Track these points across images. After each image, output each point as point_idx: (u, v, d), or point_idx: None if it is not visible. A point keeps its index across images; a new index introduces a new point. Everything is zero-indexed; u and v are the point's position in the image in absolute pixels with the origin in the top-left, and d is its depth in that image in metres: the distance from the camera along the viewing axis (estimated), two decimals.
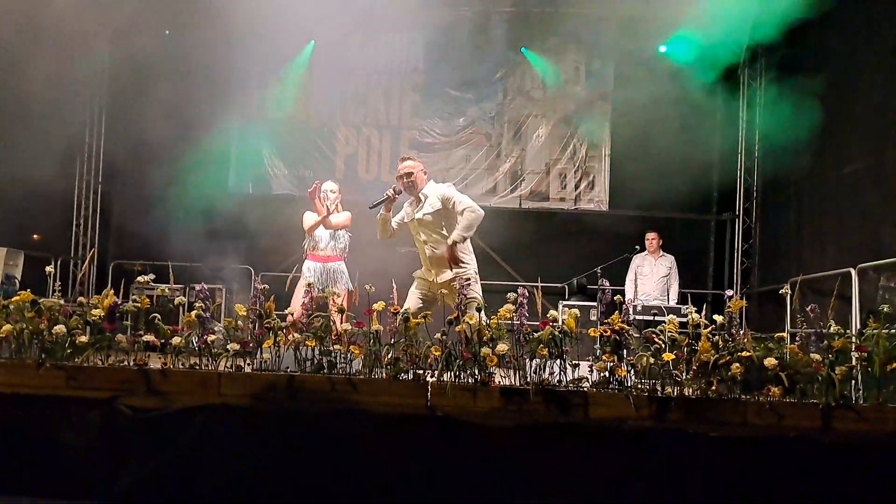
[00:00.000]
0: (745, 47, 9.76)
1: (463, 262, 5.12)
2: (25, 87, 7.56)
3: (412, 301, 5.22)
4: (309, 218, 6.31)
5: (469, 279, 4.89)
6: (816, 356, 3.74)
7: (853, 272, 6.55)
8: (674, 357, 3.80)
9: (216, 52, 9.52)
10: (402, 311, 4.12)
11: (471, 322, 3.96)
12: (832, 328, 3.90)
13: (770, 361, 3.68)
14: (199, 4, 9.00)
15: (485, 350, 3.86)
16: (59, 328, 3.95)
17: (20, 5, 7.05)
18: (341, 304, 5.76)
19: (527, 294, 4.10)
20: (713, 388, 3.74)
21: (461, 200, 5.13)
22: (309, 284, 4.67)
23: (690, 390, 3.79)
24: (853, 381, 3.77)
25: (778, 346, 3.89)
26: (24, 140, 7.72)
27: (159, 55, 9.35)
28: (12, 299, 4.13)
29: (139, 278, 4.57)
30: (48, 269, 4.68)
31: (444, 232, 5.18)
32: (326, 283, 6.15)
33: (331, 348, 4.06)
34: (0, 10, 6.93)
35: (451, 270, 5.08)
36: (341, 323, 4.16)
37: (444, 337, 3.98)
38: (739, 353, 3.74)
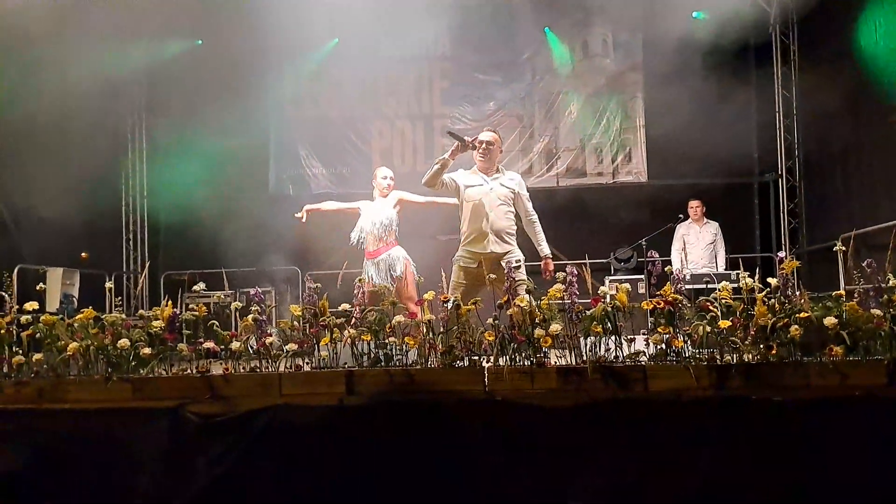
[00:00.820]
0: (775, 2, 9.55)
1: (514, 246, 5.33)
2: (67, 107, 7.73)
3: (459, 291, 5.21)
4: (366, 208, 6.30)
5: (519, 261, 5.03)
6: (877, 311, 3.67)
7: None
8: (730, 324, 3.76)
9: (248, 57, 9.64)
10: (451, 299, 4.15)
11: (522, 304, 3.96)
12: (891, 282, 3.82)
13: (830, 321, 3.62)
14: (227, 10, 9.09)
15: (538, 331, 3.86)
16: (124, 342, 4.06)
17: (58, 25, 7.20)
18: (410, 293, 5.84)
19: (575, 272, 4.10)
20: (773, 352, 3.70)
21: (527, 195, 5.50)
22: (360, 280, 4.69)
23: (750, 356, 3.75)
24: None
25: (837, 305, 3.82)
26: (68, 159, 7.90)
27: (194, 65, 9.49)
28: (76, 317, 4.26)
29: (195, 287, 4.67)
30: (108, 284, 4.81)
31: (512, 209, 5.38)
32: (388, 273, 6.09)
33: (386, 341, 4.11)
34: (40, 29, 7.08)
35: (509, 244, 5.27)
36: (412, 313, 4.21)
37: (496, 321, 4.00)
38: (797, 315, 3.69)
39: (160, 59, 9.20)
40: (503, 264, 4.71)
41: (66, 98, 7.66)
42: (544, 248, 5.40)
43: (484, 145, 5.34)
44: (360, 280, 4.44)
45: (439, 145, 10.36)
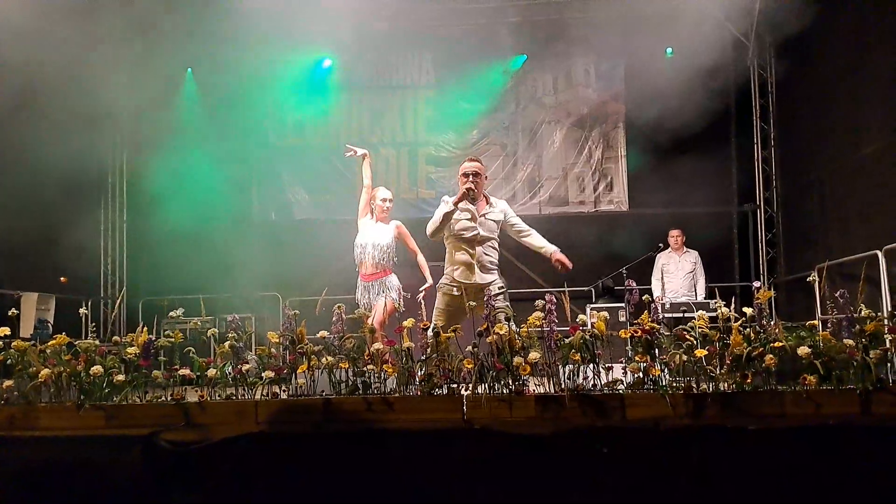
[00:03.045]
0: (753, 36, 9.72)
1: (497, 275, 5.36)
2: (45, 128, 7.69)
3: (443, 317, 5.22)
4: (363, 225, 6.24)
5: (501, 288, 5.09)
6: (850, 342, 3.71)
7: (880, 254, 6.48)
8: (706, 352, 3.78)
9: (234, 82, 9.68)
10: (431, 326, 4.15)
11: (501, 332, 3.97)
12: (863, 312, 3.86)
13: (803, 350, 3.66)
14: (217, 36, 9.14)
15: (517, 359, 3.87)
16: (97, 369, 4.02)
17: (39, 44, 7.19)
18: (382, 318, 5.80)
19: (555, 300, 4.11)
20: (748, 381, 3.72)
21: (514, 216, 5.55)
22: (338, 307, 4.65)
23: (726, 385, 3.77)
24: (889, 364, 3.73)
25: (810, 335, 3.86)
26: (44, 185, 7.83)
27: (177, 92, 9.52)
28: (48, 343, 4.21)
29: (171, 313, 4.63)
30: (82, 311, 4.76)
31: (497, 240, 5.43)
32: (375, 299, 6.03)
33: (364, 369, 4.09)
34: (20, 50, 7.06)
35: (493, 274, 5.29)
36: (373, 342, 4.19)
37: (475, 349, 4.00)
38: (772, 344, 3.72)
39: (146, 85, 9.20)
40: (485, 292, 4.73)
41: (46, 123, 7.63)
42: (549, 247, 5.41)
43: (471, 178, 5.31)
44: (338, 307, 4.41)
45: (424, 173, 10.43)
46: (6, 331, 4.27)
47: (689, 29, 9.09)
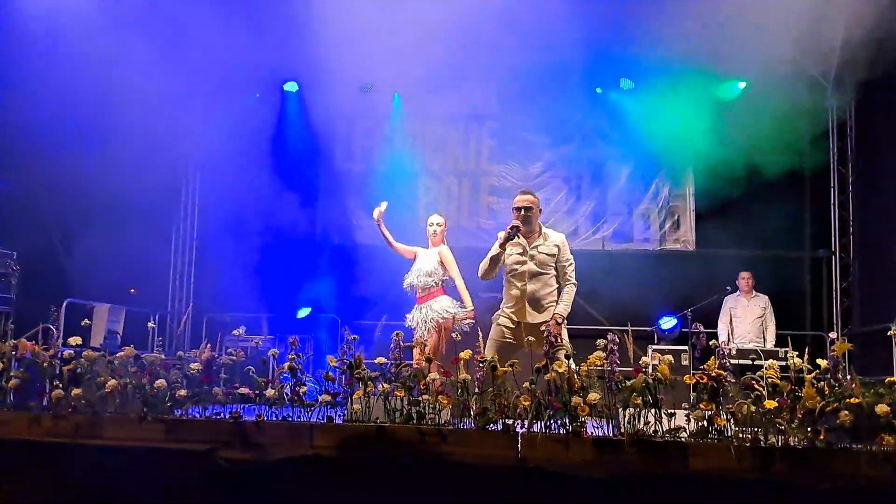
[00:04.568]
0: (833, 76, 9.47)
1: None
2: (125, 148, 7.97)
3: (495, 348, 5.14)
4: (421, 254, 6.35)
5: (560, 325, 4.95)
6: None
7: None
8: (776, 404, 3.63)
9: (303, 109, 9.91)
10: (488, 359, 4.10)
11: (560, 370, 3.89)
12: None
13: (882, 408, 3.48)
14: (286, 64, 9.38)
15: (576, 399, 3.78)
16: (161, 382, 4.10)
17: (119, 62, 7.50)
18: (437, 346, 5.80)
19: (616, 340, 4.02)
20: (821, 437, 3.55)
21: (570, 259, 5.35)
22: (396, 334, 4.64)
23: (796, 440, 3.61)
24: None
25: (889, 392, 3.67)
26: (122, 199, 8.11)
27: (250, 116, 9.79)
28: (116, 355, 4.32)
29: (234, 331, 4.70)
30: (150, 324, 4.87)
31: (553, 275, 5.27)
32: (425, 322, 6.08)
33: (419, 398, 4.06)
34: (100, 64, 7.38)
35: (547, 312, 5.15)
36: (444, 372, 4.16)
37: (532, 386, 3.93)
38: (848, 400, 3.55)
39: (219, 110, 9.49)
40: (542, 329, 4.66)
41: (124, 140, 7.91)
42: (560, 309, 5.19)
43: (522, 212, 5.24)
44: (396, 333, 4.40)
45: (485, 203, 10.40)
46: (78, 340, 4.41)
47: (764, 67, 8.93)
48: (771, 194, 9.04)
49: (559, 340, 4.77)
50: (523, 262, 5.23)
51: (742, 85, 9.60)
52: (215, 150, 9.87)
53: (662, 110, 10.14)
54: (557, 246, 5.30)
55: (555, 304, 5.23)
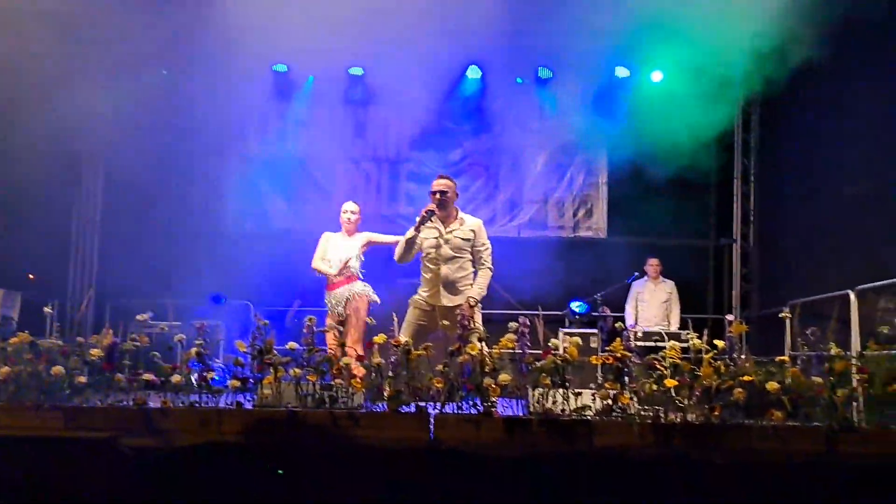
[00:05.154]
0: (739, 70, 9.84)
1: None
2: (22, 128, 7.59)
3: (410, 330, 5.19)
4: (330, 241, 6.30)
5: (473, 308, 5.02)
6: (818, 379, 3.72)
7: (852, 294, 6.54)
8: (677, 383, 3.78)
9: (214, 90, 9.63)
10: (402, 342, 4.11)
11: (473, 353, 3.94)
12: (833, 350, 3.88)
13: (772, 385, 3.67)
14: (197, 43, 9.09)
15: (487, 380, 3.84)
16: (58, 369, 3.94)
17: (17, 42, 7.12)
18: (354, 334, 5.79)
19: (528, 323, 4.10)
20: (716, 413, 3.72)
21: (486, 244, 5.40)
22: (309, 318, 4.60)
23: (694, 416, 3.77)
24: (855, 404, 3.74)
25: (780, 370, 3.87)
26: (20, 181, 7.71)
27: (157, 94, 9.45)
28: (10, 340, 4.13)
29: (137, 316, 4.56)
30: (46, 309, 4.68)
31: (468, 259, 5.33)
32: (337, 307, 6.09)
33: (332, 383, 4.04)
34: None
35: (462, 295, 5.21)
36: (341, 356, 4.15)
37: (446, 368, 3.97)
38: (741, 378, 3.73)
39: (123, 87, 9.14)
40: (456, 312, 4.72)
41: (23, 112, 7.52)
42: (474, 292, 5.24)
43: (438, 196, 5.29)
44: (309, 318, 4.36)
45: (404, 189, 10.38)
46: None
47: (677, 61, 9.22)
48: (679, 185, 9.35)
49: (472, 323, 4.83)
50: (438, 247, 5.27)
51: (656, 77, 9.85)
52: (119, 131, 9.51)
53: (578, 100, 10.37)
54: (473, 230, 5.35)
55: (469, 287, 5.29)
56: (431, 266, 5.29)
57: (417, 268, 5.48)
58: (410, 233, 5.23)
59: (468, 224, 5.38)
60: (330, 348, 4.50)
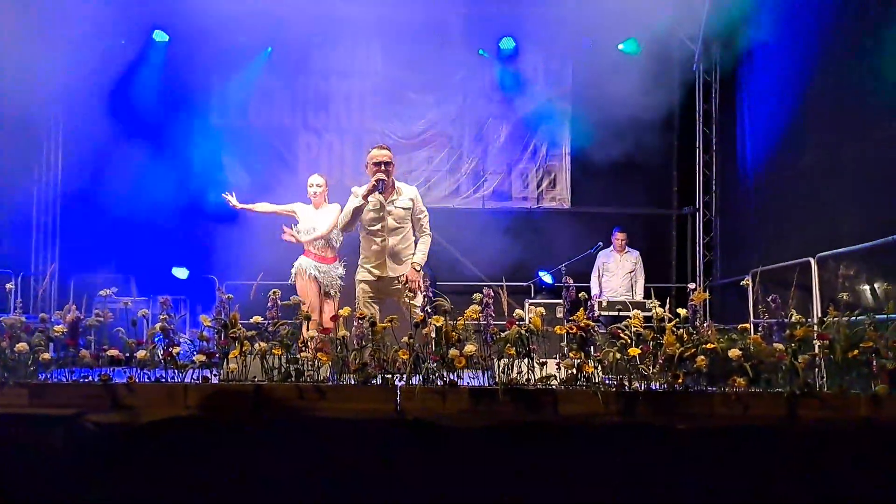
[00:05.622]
0: (700, 41, 9.91)
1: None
2: None
3: (368, 307, 5.25)
4: (302, 212, 6.28)
5: (419, 273, 5.29)
6: (779, 346, 3.81)
7: (812, 262, 6.69)
8: (640, 352, 3.84)
9: (174, 61, 9.45)
10: (367, 316, 4.12)
11: (437, 324, 3.96)
12: (793, 317, 3.97)
13: (734, 352, 3.74)
14: (155, 12, 8.90)
15: (452, 352, 3.87)
16: (21, 346, 3.88)
17: None
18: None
19: (492, 294, 4.12)
20: (679, 381, 3.79)
21: (425, 210, 5.49)
22: (273, 292, 4.57)
23: (657, 384, 3.84)
24: (816, 370, 3.84)
25: (741, 337, 3.95)
26: None
27: (116, 65, 9.25)
28: None
29: (101, 292, 4.49)
30: (8, 285, 4.59)
31: (409, 228, 5.42)
32: (328, 284, 6.13)
33: (297, 356, 4.04)
34: None
35: (405, 265, 5.34)
36: (307, 330, 4.15)
37: (411, 340, 3.99)
38: (704, 346, 3.80)
39: (81, 57, 8.92)
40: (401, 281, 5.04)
41: None
42: (418, 258, 5.38)
43: (382, 168, 5.31)
44: (273, 292, 4.34)
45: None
46: None
47: (637, 31, 9.25)
48: (641, 154, 9.44)
49: (419, 289, 4.98)
50: (381, 219, 5.32)
51: (620, 46, 9.87)
52: (77, 102, 9.29)
53: (541, 71, 10.37)
54: (412, 199, 5.44)
55: (412, 256, 5.41)
56: (376, 238, 5.34)
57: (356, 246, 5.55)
58: (357, 202, 5.26)
59: (406, 193, 5.45)
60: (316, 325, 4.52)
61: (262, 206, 6.48)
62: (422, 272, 5.33)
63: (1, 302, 5.19)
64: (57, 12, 8.10)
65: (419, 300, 4.89)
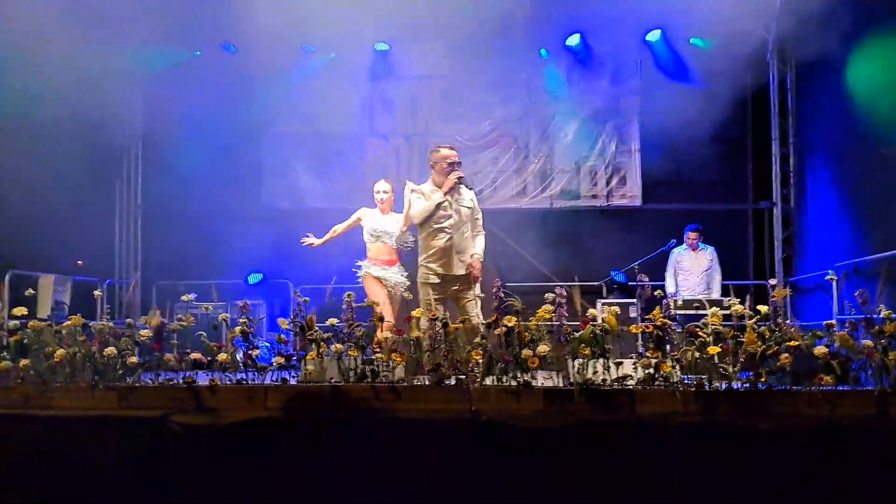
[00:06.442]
0: (774, 29, 9.61)
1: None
2: (62, 114, 7.72)
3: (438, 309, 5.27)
4: (368, 217, 6.35)
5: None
6: (868, 342, 3.67)
7: None
8: (719, 350, 3.75)
9: (246, 70, 9.69)
10: (440, 317, 4.14)
11: (510, 324, 3.96)
12: (882, 313, 3.81)
13: (820, 350, 3.63)
14: (224, 23, 9.14)
15: (526, 352, 3.85)
16: (110, 350, 4.05)
17: (55, 30, 7.24)
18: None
19: (564, 294, 4.09)
20: (762, 379, 3.69)
21: (480, 210, 5.70)
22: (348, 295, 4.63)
23: (738, 383, 3.74)
24: None
25: (827, 334, 3.82)
26: (63, 173, 7.87)
27: (191, 77, 9.55)
28: (64, 324, 4.24)
29: (183, 297, 4.65)
30: (96, 293, 4.79)
31: (469, 225, 5.53)
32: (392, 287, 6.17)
33: (373, 357, 4.09)
34: (35, 31, 7.12)
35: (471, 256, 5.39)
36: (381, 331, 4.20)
37: (483, 340, 4.00)
38: (787, 343, 3.69)
39: (156, 69, 9.25)
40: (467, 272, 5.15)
41: (62, 104, 7.64)
42: (477, 250, 5.46)
43: (456, 167, 5.47)
44: (348, 295, 4.40)
45: None
46: (23, 311, 4.32)
47: (708, 23, 9.03)
48: (714, 149, 9.19)
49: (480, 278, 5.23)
50: (449, 216, 5.39)
51: (689, 41, 9.66)
52: (154, 115, 9.63)
53: (608, 66, 10.23)
54: (473, 200, 5.59)
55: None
56: (443, 235, 5.38)
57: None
58: (439, 197, 5.35)
59: (467, 194, 5.57)
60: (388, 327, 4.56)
61: (336, 230, 6.52)
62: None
63: (90, 309, 5.41)
64: (131, 28, 8.40)
65: (477, 306, 5.10)
